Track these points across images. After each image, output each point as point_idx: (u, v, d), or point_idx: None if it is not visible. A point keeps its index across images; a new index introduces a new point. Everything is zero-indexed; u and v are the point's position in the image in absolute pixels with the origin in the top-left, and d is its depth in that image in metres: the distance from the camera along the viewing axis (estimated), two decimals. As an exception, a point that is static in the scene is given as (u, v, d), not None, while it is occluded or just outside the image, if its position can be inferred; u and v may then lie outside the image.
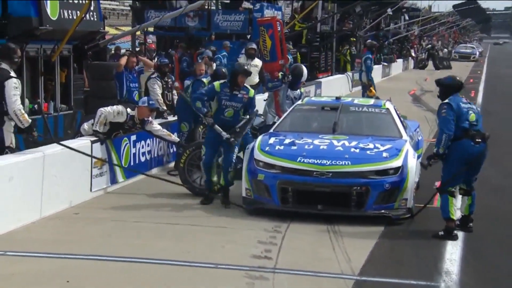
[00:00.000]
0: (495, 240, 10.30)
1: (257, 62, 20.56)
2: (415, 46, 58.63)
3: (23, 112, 10.65)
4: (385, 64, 44.10)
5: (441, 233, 10.09)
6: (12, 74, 10.63)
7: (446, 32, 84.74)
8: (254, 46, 21.03)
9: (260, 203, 11.35)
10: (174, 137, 13.69)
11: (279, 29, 15.41)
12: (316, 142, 11.62)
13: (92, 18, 14.85)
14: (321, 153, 11.27)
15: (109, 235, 10.14)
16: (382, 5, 44.19)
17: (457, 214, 10.41)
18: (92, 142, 12.07)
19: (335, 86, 29.56)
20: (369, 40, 36.39)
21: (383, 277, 8.66)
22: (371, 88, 24.41)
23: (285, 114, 13.43)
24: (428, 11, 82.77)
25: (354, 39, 38.79)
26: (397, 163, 11.11)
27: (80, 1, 14.38)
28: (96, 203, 11.80)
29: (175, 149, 14.45)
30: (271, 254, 9.32)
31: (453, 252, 9.67)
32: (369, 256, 9.40)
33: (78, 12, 14.13)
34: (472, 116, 10.32)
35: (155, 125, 13.38)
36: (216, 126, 11.73)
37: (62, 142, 11.64)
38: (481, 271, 9.05)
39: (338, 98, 13.58)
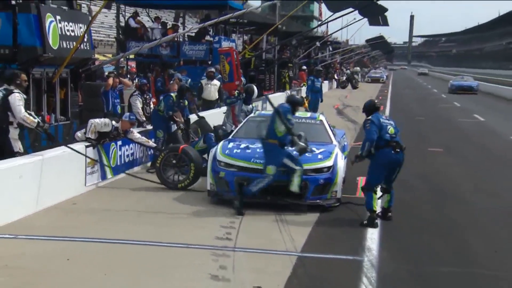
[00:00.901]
0: (406, 226, 10.31)
1: (216, 82, 20.55)
2: (337, 70, 59.13)
3: (28, 116, 10.51)
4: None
5: (365, 222, 10.06)
6: (15, 90, 10.50)
7: (367, 59, 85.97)
8: (213, 69, 21.02)
9: (221, 195, 11.24)
10: (152, 143, 13.55)
11: (235, 57, 15.40)
12: None
13: (85, 47, 14.67)
14: None
15: (101, 222, 9.95)
16: (312, 39, 44.74)
17: (378, 207, 10.39)
18: (86, 146, 11.93)
19: (278, 101, 29.50)
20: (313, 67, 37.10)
21: (319, 253, 8.62)
22: (306, 101, 24.65)
23: (240, 124, 13.44)
24: (346, 44, 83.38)
25: (291, 65, 39.03)
26: (329, 163, 11.13)
27: (75, 34, 14.11)
28: (90, 195, 11.60)
29: (151, 152, 14.25)
30: (231, 236, 9.25)
31: (373, 233, 9.70)
32: (308, 238, 9.35)
33: (74, 42, 13.94)
34: (391, 130, 10.36)
35: (136, 134, 13.29)
36: None
37: (68, 146, 11.56)
38: (396, 248, 9.06)
39: None
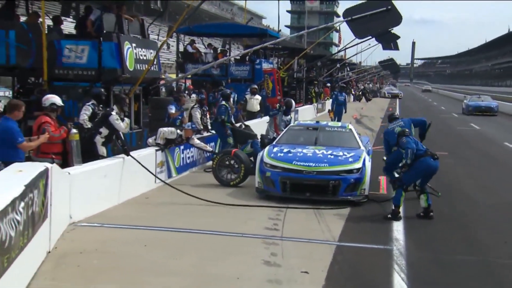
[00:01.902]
0: (425, 219, 9.87)
1: (258, 97, 20.28)
2: (353, 86, 58.48)
3: (125, 127, 10.73)
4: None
5: (389, 215, 9.60)
6: (114, 112, 10.68)
7: (375, 77, 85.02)
8: (255, 86, 20.76)
9: (268, 191, 10.94)
10: (209, 147, 13.38)
11: (277, 76, 15.14)
12: (305, 151, 11.27)
13: (154, 69, 14.49)
14: (308, 158, 10.90)
15: (170, 213, 9.71)
16: (333, 61, 44.31)
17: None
18: (156, 150, 11.73)
19: (306, 112, 29.36)
20: (338, 84, 36.79)
21: (354, 243, 8.26)
22: (331, 113, 24.29)
23: (282, 132, 13.14)
24: (360, 65, 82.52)
25: (316, 82, 38.59)
26: (358, 165, 10.75)
27: (147, 58, 13.98)
28: (159, 191, 11.33)
29: (208, 155, 14.05)
30: (278, 227, 8.93)
31: (398, 225, 9.28)
32: (343, 229, 8.98)
33: (145, 65, 13.82)
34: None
35: (196, 140, 13.13)
36: None
37: (135, 151, 11.36)
38: (419, 238, 8.69)
39: (317, 122, 13.30)
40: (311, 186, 10.61)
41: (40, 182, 6.80)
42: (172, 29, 15.47)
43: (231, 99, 16.19)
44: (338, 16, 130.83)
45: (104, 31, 13.03)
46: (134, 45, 13.45)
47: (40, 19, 13.00)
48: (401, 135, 10.29)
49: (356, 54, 62.83)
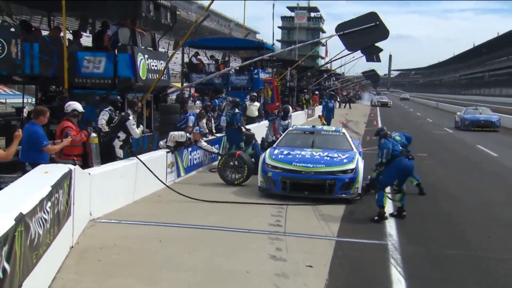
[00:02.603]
0: (414, 215, 9.64)
1: (257, 103, 20.02)
2: (339, 94, 58.24)
3: (138, 132, 10.48)
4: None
5: (376, 217, 9.06)
6: (131, 117, 10.36)
7: (357, 86, 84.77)
8: (255, 94, 20.49)
9: (269, 190, 10.67)
10: (215, 149, 13.09)
11: (276, 84, 14.87)
12: (303, 153, 11.02)
13: (164, 78, 14.16)
14: (307, 160, 10.64)
15: (181, 211, 9.42)
16: (321, 72, 44.05)
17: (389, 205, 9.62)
18: (167, 152, 11.46)
19: (298, 117, 29.06)
20: (327, 92, 36.48)
21: (352, 238, 8.01)
22: (322, 118, 24.03)
23: (282, 136, 12.87)
24: (343, 75, 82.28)
25: (306, 90, 38.34)
26: (352, 166, 10.51)
27: (158, 68, 13.67)
28: (169, 190, 10.96)
29: (212, 156, 13.79)
30: (281, 223, 8.67)
31: (390, 221, 9.04)
32: (340, 225, 8.73)
33: (156, 74, 13.50)
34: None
35: (203, 142, 12.88)
36: None
37: (146, 154, 11.11)
38: (410, 234, 8.42)
39: (313, 126, 13.03)
40: (309, 185, 10.36)
41: (65, 182, 6.52)
42: (180, 42, 15.18)
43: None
44: (323, 31, 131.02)
45: (119, 44, 12.71)
46: (146, 56, 13.13)
47: (62, 33, 12.68)
48: (382, 137, 9.71)
49: (341, 66, 62.77)
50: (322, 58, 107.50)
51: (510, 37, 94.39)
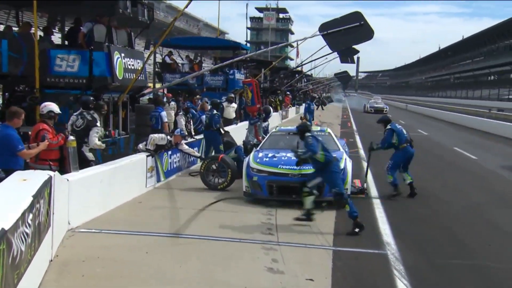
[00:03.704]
0: (408, 220, 9.43)
1: (234, 105, 19.62)
2: (310, 95, 58.13)
3: (98, 143, 9.55)
4: (297, 106, 43.57)
5: (356, 230, 8.23)
6: (98, 124, 9.62)
7: (326, 88, 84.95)
8: (232, 95, 20.03)
9: (255, 195, 10.23)
10: (197, 153, 12.59)
11: (255, 86, 14.47)
12: (289, 155, 10.54)
13: (141, 78, 13.62)
14: (293, 162, 10.09)
15: (165, 218, 8.86)
16: (293, 73, 43.81)
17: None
18: (147, 156, 10.92)
19: (273, 119, 28.64)
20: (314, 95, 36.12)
21: (349, 247, 7.60)
22: (304, 119, 23.76)
23: (265, 138, 12.44)
24: (313, 77, 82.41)
25: (279, 92, 38.01)
26: (341, 166, 10.08)
27: (135, 67, 13.16)
28: (150, 195, 10.56)
29: (191, 160, 13.32)
30: (272, 231, 8.24)
31: (385, 228, 8.68)
32: (334, 232, 8.37)
33: (133, 74, 12.98)
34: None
35: (185, 146, 12.36)
36: None
37: (125, 157, 10.63)
38: (408, 241, 8.04)
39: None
40: (296, 188, 9.90)
41: (45, 191, 5.98)
42: (159, 41, 14.65)
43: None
44: (292, 33, 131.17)
45: (95, 41, 12.12)
46: (123, 55, 12.58)
47: (33, 29, 12.03)
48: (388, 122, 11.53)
49: (314, 68, 62.38)
50: (291, 59, 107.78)
51: (474, 41, 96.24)
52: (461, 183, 13.54)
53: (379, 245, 7.72)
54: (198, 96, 20.31)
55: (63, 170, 8.42)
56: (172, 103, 19.27)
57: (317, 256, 7.20)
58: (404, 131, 11.54)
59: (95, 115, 9.66)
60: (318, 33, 16.55)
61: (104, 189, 8.99)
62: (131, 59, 13.10)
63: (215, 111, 13.77)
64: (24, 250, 4.77)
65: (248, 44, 66.09)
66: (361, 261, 7.12)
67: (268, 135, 12.56)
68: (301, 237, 8.03)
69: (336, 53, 24.88)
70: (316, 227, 8.58)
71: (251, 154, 10.98)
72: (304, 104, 27.53)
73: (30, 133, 8.82)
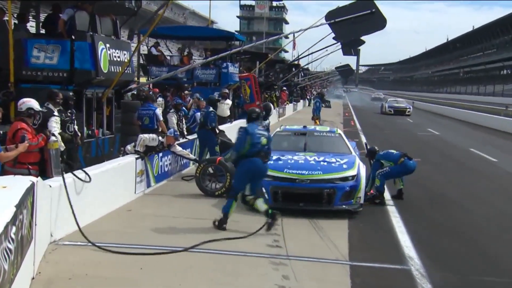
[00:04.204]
0: (428, 231, 9.23)
1: (229, 101, 19.36)
2: (308, 91, 58.16)
3: (55, 140, 8.64)
4: (295, 103, 43.47)
5: (269, 220, 8.47)
6: (55, 113, 9.12)
7: (325, 82, 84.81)
8: (226, 90, 19.78)
9: (258, 203, 9.99)
10: (191, 155, 12.35)
11: (254, 81, 14.26)
12: (295, 157, 10.44)
13: (128, 71, 13.37)
14: (300, 166, 10.06)
15: (158, 228, 8.61)
16: (290, 67, 43.64)
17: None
18: (136, 158, 10.69)
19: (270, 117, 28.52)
20: (319, 91, 35.56)
21: (367, 262, 7.39)
22: (317, 120, 23.41)
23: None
24: (310, 71, 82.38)
25: (276, 87, 37.81)
26: (353, 172, 9.99)
27: (121, 59, 12.93)
28: (140, 202, 10.32)
29: (182, 162, 13.11)
30: (280, 243, 8.04)
31: (405, 240, 8.47)
32: (349, 244, 8.15)
33: (119, 67, 12.76)
34: (264, 141, 8.92)
35: (178, 147, 12.15)
36: None
37: (113, 160, 10.45)
38: (432, 255, 7.83)
39: (305, 127, 12.47)
40: (304, 196, 9.78)
41: (28, 200, 5.75)
42: (149, 29, 14.41)
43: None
44: (286, 22, 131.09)
45: (77, 30, 11.87)
46: (108, 45, 12.35)
47: (6, 16, 11.76)
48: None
49: (313, 61, 61.82)
50: (286, 51, 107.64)
51: (486, 32, 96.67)
52: (482, 189, 13.43)
53: (401, 260, 7.54)
54: (186, 92, 20.12)
55: (43, 174, 8.18)
56: (160, 99, 19.05)
57: (333, 272, 7.01)
58: (392, 151, 11.38)
59: (50, 106, 9.17)
60: (324, 21, 16.35)
61: (90, 196, 8.74)
62: (117, 50, 12.87)
63: (211, 108, 13.55)
64: (7, 269, 4.55)
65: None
66: (382, 278, 6.94)
67: (271, 134, 12.29)
68: (312, 249, 7.85)
69: (339, 44, 24.80)
70: (327, 238, 8.39)
71: (253, 157, 10.75)
72: (313, 101, 26.87)
73: (0, 132, 8.56)
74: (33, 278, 6.27)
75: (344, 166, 10.14)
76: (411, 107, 47.89)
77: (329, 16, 16.03)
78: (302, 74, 55.86)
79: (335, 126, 25.29)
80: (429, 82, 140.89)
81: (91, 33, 11.85)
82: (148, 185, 11.28)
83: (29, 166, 7.98)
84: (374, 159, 11.35)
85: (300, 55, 36.38)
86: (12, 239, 4.75)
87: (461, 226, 9.62)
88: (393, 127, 31.47)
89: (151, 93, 17.55)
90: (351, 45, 24.63)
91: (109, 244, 7.70)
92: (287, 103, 36.08)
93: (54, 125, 8.96)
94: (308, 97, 54.00)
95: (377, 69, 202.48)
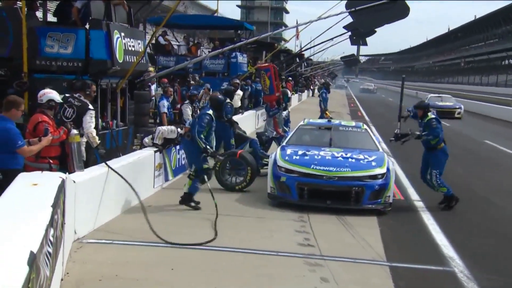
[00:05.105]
0: (462, 228, 8.98)
1: (240, 92, 19.05)
2: (312, 82, 57.73)
3: (95, 135, 8.74)
4: (300, 93, 43.08)
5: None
6: (90, 106, 8.82)
7: (326, 73, 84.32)
8: (237, 81, 19.44)
9: (282, 198, 9.70)
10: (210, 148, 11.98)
11: (274, 71, 13.90)
12: (322, 153, 10.09)
13: (142, 61, 13.00)
14: (328, 162, 9.70)
15: (182, 225, 8.38)
16: (294, 57, 43.20)
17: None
18: (155, 152, 10.42)
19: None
20: (324, 80, 35.06)
21: (407, 263, 7.11)
22: (326, 112, 22.95)
23: (292, 132, 11.88)
24: (312, 61, 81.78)
25: (283, 77, 37.34)
26: (383, 170, 9.61)
27: (135, 49, 12.57)
28: (159, 197, 10.01)
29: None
30: (311, 242, 7.75)
31: (441, 238, 8.19)
32: (383, 243, 7.84)
33: (134, 56, 12.38)
34: None
35: (199, 140, 11.78)
36: None
37: (132, 153, 10.21)
38: (474, 255, 7.55)
39: (329, 121, 12.13)
40: (331, 193, 9.47)
41: (61, 198, 5.44)
42: (166, 17, 13.99)
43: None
44: (287, 12, 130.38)
45: (91, 18, 11.51)
46: (123, 34, 11.95)
47: (19, 3, 11.38)
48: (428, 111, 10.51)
49: (317, 52, 61.32)
50: (286, 41, 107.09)
51: (488, 21, 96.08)
52: (506, 182, 13.15)
53: (442, 261, 7.24)
54: (192, 82, 19.73)
55: (64, 169, 7.88)
56: (158, 89, 18.76)
57: (373, 273, 6.73)
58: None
59: (82, 98, 8.84)
60: (345, 10, 15.97)
61: (112, 192, 8.45)
62: (132, 39, 12.48)
63: (228, 100, 13.19)
64: (48, 274, 4.25)
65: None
66: (427, 280, 6.66)
67: (295, 128, 11.95)
68: (346, 249, 7.57)
69: (347, 34, 24.40)
70: (359, 236, 8.11)
71: (278, 151, 10.43)
72: (319, 93, 26.35)
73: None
74: (62, 280, 5.97)
75: (373, 163, 9.79)
76: (461, 106, 34.73)
77: (350, 4, 15.66)
78: (306, 64, 55.41)
79: (340, 117, 24.99)
80: (430, 72, 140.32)
81: (107, 21, 11.47)
82: (166, 179, 10.99)
83: (50, 161, 7.69)
84: (432, 116, 10.34)
85: (306, 45, 36.01)
86: (51, 242, 4.46)
87: (497, 224, 9.36)
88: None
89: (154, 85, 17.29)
90: (362, 35, 24.17)
91: (134, 242, 7.43)
92: (293, 94, 35.65)
93: (89, 119, 8.62)
94: (312, 87, 53.49)
95: (377, 59, 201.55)
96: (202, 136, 9.29)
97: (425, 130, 10.15)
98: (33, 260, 3.49)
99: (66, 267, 6.29)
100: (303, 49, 37.71)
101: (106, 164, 8.31)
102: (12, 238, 3.73)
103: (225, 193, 10.56)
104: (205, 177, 9.30)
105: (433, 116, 10.32)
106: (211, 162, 9.87)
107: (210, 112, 9.64)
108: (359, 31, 22.73)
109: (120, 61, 11.76)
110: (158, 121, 14.85)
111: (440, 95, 38.10)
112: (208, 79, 21.46)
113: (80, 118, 8.64)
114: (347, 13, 15.96)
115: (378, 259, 7.17)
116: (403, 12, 14.95)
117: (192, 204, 9.35)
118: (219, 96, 10.36)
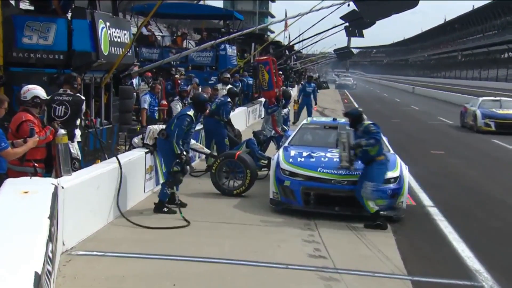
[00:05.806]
0: (481, 236, 8.85)
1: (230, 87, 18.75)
2: (304, 76, 57.55)
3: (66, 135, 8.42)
4: (290, 88, 42.91)
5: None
6: (82, 97, 9.00)
7: (315, 67, 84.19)
8: (228, 75, 19.22)
9: (286, 204, 9.50)
10: (206, 149, 11.75)
11: (273, 65, 13.69)
12: (329, 155, 9.88)
13: (128, 54, 12.74)
14: (336, 165, 9.49)
15: (178, 235, 8.12)
16: (284, 49, 43.03)
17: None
18: (146, 153, 10.19)
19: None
20: (313, 75, 34.99)
21: (430, 277, 6.94)
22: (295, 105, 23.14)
23: (295, 131, 11.67)
24: (303, 55, 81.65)
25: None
26: (395, 173, 9.40)
27: (121, 40, 12.31)
28: (151, 203, 9.64)
29: (191, 155, 12.57)
30: (323, 253, 7.57)
31: (463, 249, 8.01)
32: (402, 254, 7.66)
33: (119, 48, 12.12)
34: None
35: (192, 140, 11.50)
36: None
37: (123, 154, 10.01)
38: (501, 267, 7.38)
39: (334, 119, 11.93)
40: (340, 199, 9.28)
41: (55, 207, 5.20)
42: (154, 8, 13.73)
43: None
44: (273, 1, 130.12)
45: (74, 7, 11.23)
46: (108, 24, 11.69)
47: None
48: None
49: (309, 45, 61.00)
50: (272, 32, 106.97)
51: (486, 12, 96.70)
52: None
53: (468, 274, 7.06)
54: (177, 76, 19.50)
55: (49, 172, 7.64)
56: (142, 83, 18.53)
57: (394, 288, 6.56)
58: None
59: (69, 92, 8.76)
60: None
61: (102, 197, 8.23)
62: (117, 30, 12.22)
63: (229, 99, 12.94)
64: (48, 296, 4.02)
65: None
66: (453, 295, 6.50)
67: (298, 127, 11.77)
68: (361, 261, 7.40)
69: (343, 25, 24.37)
70: (374, 246, 7.94)
71: (281, 152, 10.23)
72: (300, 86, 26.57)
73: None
74: (52, 298, 5.73)
75: None
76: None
77: (356, -9, 15.44)
78: (295, 57, 55.25)
79: (334, 114, 24.96)
80: (425, 66, 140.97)
81: (91, 9, 11.20)
82: (157, 183, 10.75)
83: (35, 164, 7.42)
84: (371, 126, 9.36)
85: (296, 37, 35.80)
86: (50, 259, 4.22)
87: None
88: (401, 116, 31.06)
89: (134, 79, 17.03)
90: (360, 26, 24.08)
91: (128, 254, 7.20)
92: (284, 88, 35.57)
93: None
94: (302, 82, 53.33)
95: (369, 52, 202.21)
96: (180, 142, 9.11)
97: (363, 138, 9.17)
98: (38, 282, 3.27)
99: (56, 283, 6.04)
100: (293, 42, 37.47)
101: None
102: (13, 257, 3.50)
103: (223, 198, 10.37)
104: (174, 182, 9.26)
105: (370, 121, 9.56)
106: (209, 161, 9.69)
107: (191, 112, 9.39)
108: (357, 22, 22.66)
109: (106, 54, 11.50)
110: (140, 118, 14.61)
111: (498, 98, 26.21)
112: (195, 73, 21.15)
113: (76, 113, 8.61)
114: (343, 3, 15.78)
115: (398, 273, 7.00)
116: (412, 2, 14.77)
117: (165, 209, 9.25)
118: (203, 95, 10.25)
